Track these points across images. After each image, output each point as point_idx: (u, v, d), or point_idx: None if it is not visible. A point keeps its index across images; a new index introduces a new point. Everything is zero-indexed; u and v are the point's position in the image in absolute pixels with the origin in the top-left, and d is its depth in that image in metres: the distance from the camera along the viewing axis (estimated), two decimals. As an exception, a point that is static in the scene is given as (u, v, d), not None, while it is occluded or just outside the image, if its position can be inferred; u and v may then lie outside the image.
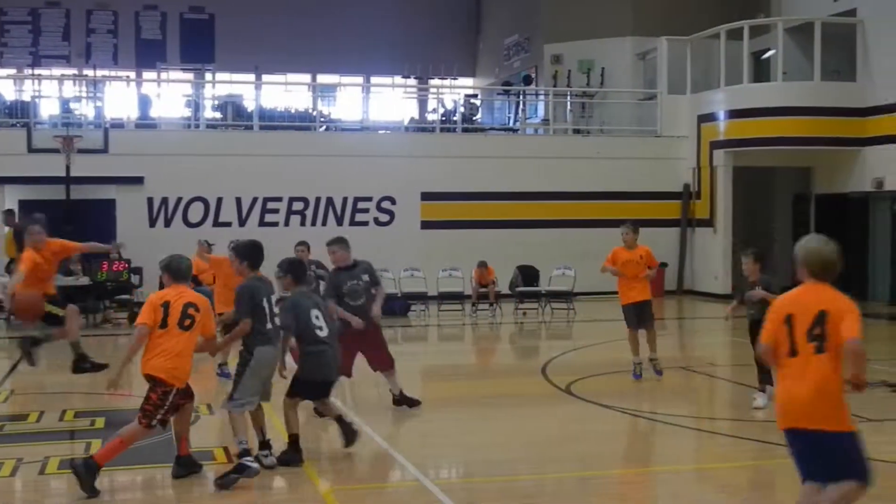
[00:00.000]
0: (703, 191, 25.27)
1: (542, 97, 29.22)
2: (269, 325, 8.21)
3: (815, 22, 23.58)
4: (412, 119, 28.94)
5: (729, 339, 18.06)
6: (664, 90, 26.32)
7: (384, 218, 23.90)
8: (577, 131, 27.33)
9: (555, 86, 28.59)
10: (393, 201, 23.93)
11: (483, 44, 36.43)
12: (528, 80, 30.28)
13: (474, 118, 28.68)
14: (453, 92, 31.47)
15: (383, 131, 27.33)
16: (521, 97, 29.44)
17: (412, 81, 32.84)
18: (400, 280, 21.00)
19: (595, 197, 24.97)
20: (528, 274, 22.01)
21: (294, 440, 8.50)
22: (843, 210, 23.85)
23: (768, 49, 25.95)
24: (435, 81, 33.73)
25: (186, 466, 8.15)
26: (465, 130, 26.85)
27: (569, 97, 27.96)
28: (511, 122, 29.47)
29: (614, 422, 10.40)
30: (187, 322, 7.73)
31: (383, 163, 23.89)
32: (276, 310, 8.31)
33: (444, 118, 27.40)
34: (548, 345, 17.89)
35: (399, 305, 20.57)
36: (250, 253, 8.40)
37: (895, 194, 22.61)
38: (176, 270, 7.98)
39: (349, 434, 8.66)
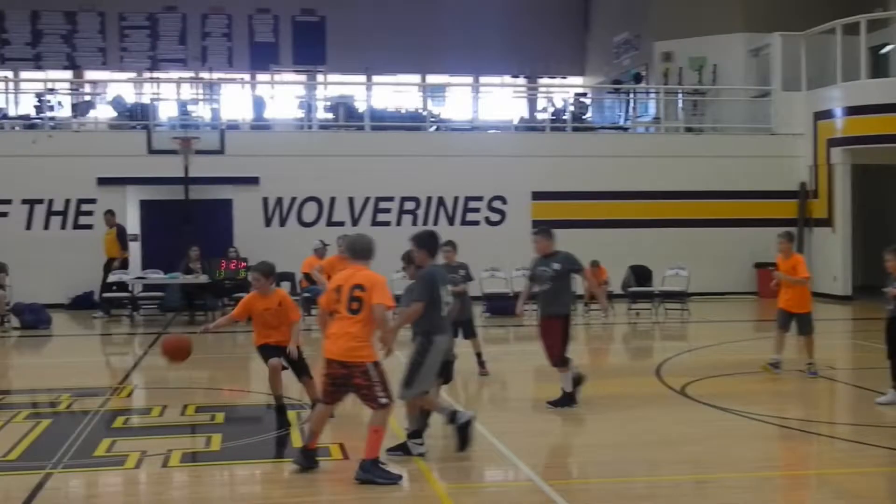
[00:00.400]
0: (820, 189, 24.71)
1: (652, 95, 28.92)
2: (443, 313, 8.63)
3: (937, 15, 22.90)
4: (522, 118, 28.91)
5: (850, 342, 17.67)
6: (778, 87, 25.82)
7: (495, 217, 23.96)
8: (688, 129, 26.98)
9: (665, 83, 28.27)
10: (504, 201, 23.98)
11: (592, 42, 36.17)
12: (638, 78, 29.99)
13: (584, 117, 28.54)
14: (563, 91, 31.35)
15: (493, 131, 27.37)
16: (631, 95, 29.19)
17: (521, 81, 32.83)
18: (512, 279, 21.02)
19: (708, 196, 24.64)
20: (640, 274, 21.84)
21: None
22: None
23: (887, 44, 25.25)
24: (544, 80, 33.69)
25: (308, 460, 8.30)
26: (575, 129, 26.71)
27: (680, 95, 27.63)
28: (621, 120, 29.24)
29: (730, 425, 10.25)
30: (354, 305, 7.98)
31: (493, 162, 23.96)
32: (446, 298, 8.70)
33: (553, 117, 27.31)
34: (661, 346, 17.71)
35: (511, 305, 20.55)
36: (427, 241, 8.97)
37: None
38: (356, 249, 8.26)
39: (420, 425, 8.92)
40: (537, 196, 24.00)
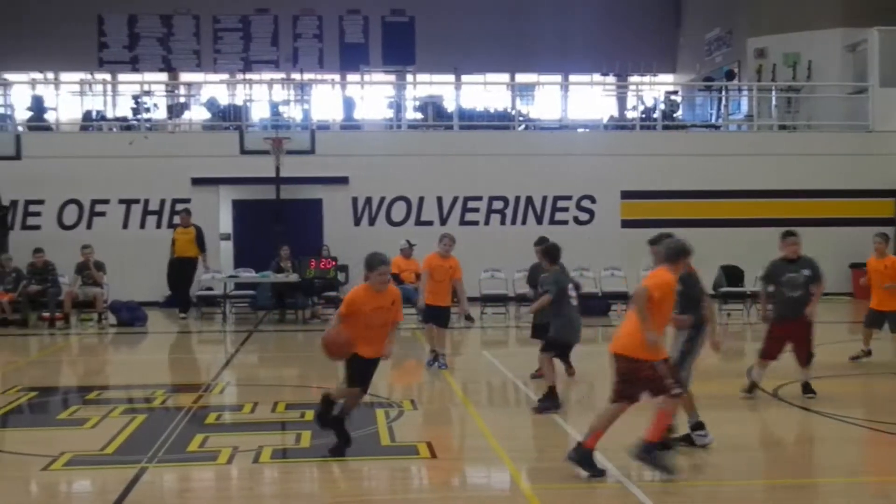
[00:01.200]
0: (918, 188, 24.11)
1: (745, 92, 28.50)
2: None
3: None
4: (611, 117, 28.72)
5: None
6: (876, 83, 25.23)
7: (584, 217, 23.84)
8: (782, 127, 26.52)
9: (759, 80, 27.84)
10: (593, 200, 23.84)
11: (683, 39, 35.77)
12: (730, 76, 29.57)
13: (675, 115, 28.23)
14: (653, 89, 31.05)
15: (582, 130, 27.25)
16: (723, 93, 28.79)
17: (611, 79, 32.59)
18: (600, 279, 20.89)
19: (802, 195, 24.19)
20: (732, 274, 21.51)
21: (552, 390, 10.62)
22: None
23: None
24: (634, 78, 33.36)
25: (584, 459, 8.15)
26: (665, 128, 26.45)
27: (773, 92, 27.18)
28: (713, 118, 28.87)
29: (824, 428, 10.07)
30: None
31: (582, 161, 23.83)
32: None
33: (643, 115, 27.08)
34: (753, 347, 17.40)
35: (599, 305, 20.47)
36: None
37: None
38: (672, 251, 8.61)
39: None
40: (626, 195, 23.82)
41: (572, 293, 11.48)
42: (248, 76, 31.76)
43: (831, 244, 23.37)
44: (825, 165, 24.24)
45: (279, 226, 21.66)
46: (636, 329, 7.89)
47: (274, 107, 25.61)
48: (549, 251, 11.37)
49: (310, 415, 10.61)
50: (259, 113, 25.93)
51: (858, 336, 14.83)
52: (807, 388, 11.29)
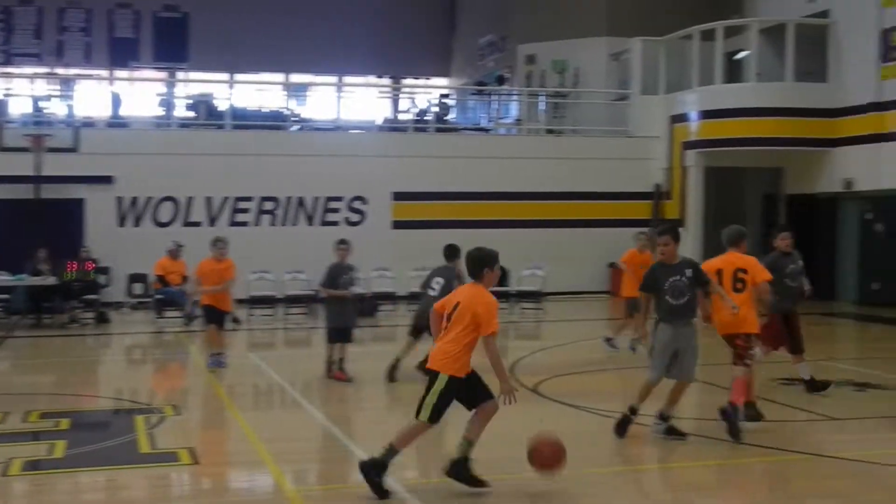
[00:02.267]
0: (673, 191, 25.37)
1: (515, 97, 29.25)
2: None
3: (789, 23, 23.74)
4: (385, 119, 28.91)
5: (705, 341, 18.09)
6: (637, 91, 26.40)
7: (355, 218, 23.85)
8: (549, 131, 27.36)
9: (528, 86, 28.63)
10: (364, 201, 23.89)
11: (457, 43, 36.42)
12: (501, 80, 30.31)
13: (447, 118, 28.68)
14: (427, 91, 31.46)
15: (356, 131, 27.29)
16: (494, 97, 29.45)
17: (386, 81, 32.84)
18: (370, 280, 20.93)
19: (566, 197, 25.01)
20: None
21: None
22: (813, 210, 24.00)
23: (741, 50, 26.06)
24: (408, 81, 33.74)
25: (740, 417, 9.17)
26: (438, 130, 26.84)
27: (542, 97, 28.00)
28: (484, 122, 29.49)
29: (582, 422, 10.41)
30: (738, 285, 9.58)
31: (356, 162, 23.84)
32: None
33: (417, 118, 27.38)
34: (516, 345, 17.85)
35: (368, 305, 20.52)
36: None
37: (864, 195, 22.75)
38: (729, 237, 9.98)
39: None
40: (398, 196, 24.00)
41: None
42: (7, 70, 30.23)
43: (593, 245, 24.32)
44: (589, 168, 25.14)
45: (37, 226, 20.64)
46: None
47: (36, 102, 24.47)
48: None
49: (65, 423, 10.17)
50: (20, 108, 24.71)
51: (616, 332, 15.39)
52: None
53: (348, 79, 32.96)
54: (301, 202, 23.59)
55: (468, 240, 24.49)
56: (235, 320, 14.13)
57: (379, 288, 21.16)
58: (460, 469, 7.65)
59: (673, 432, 9.20)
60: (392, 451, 7.50)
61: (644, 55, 26.38)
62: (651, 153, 25.79)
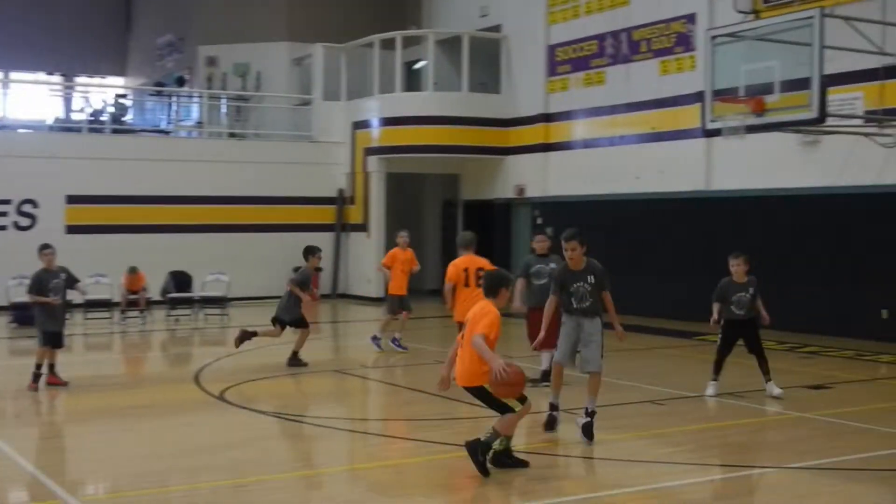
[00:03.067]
0: (357, 196, 25.74)
1: (196, 99, 28.68)
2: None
3: (464, 35, 24.67)
4: (57, 118, 27.54)
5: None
6: (319, 96, 26.56)
7: (25, 222, 22.50)
8: (232, 135, 27.02)
9: (209, 88, 28.15)
10: (35, 204, 22.60)
11: (134, 42, 35.30)
12: (181, 82, 29.63)
13: (125, 119, 27.72)
14: (102, 91, 30.27)
15: (24, 130, 25.79)
16: (174, 99, 28.76)
17: (56, 78, 31.30)
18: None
19: (250, 201, 24.80)
20: (180, 279, 21.44)
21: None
22: (489, 215, 25.05)
23: (420, 59, 26.83)
24: (82, 79, 32.32)
25: None
26: (114, 131, 25.87)
27: (224, 100, 27.61)
28: (164, 123, 28.73)
29: (269, 427, 10.34)
30: (481, 281, 8.98)
31: (24, 164, 22.50)
32: None
33: (92, 118, 26.26)
34: (201, 351, 17.53)
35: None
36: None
37: (534, 200, 23.97)
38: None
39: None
40: (73, 200, 22.89)
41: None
42: None
43: (278, 249, 24.19)
44: (273, 173, 25.03)
45: None
46: None
47: None
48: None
49: None
50: None
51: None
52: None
53: (14, 75, 31.13)
54: (-35, 206, 22.04)
55: (150, 245, 24.04)
56: None
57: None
58: (504, 457, 8.08)
59: (588, 433, 9.16)
60: (496, 435, 7.95)
61: (326, 61, 26.60)
62: (334, 158, 26.04)
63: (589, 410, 9.22)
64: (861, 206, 17.00)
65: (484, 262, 12.31)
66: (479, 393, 8.01)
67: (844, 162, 17.22)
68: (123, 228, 23.05)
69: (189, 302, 20.91)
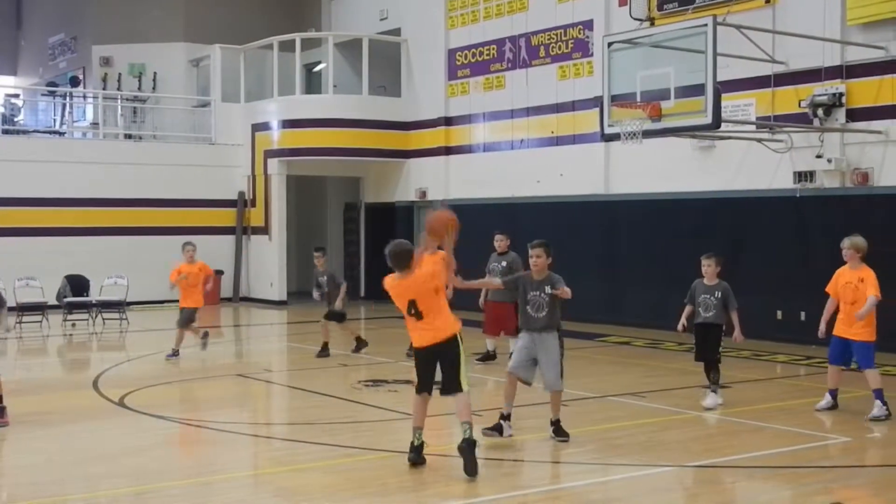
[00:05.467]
0: (258, 199, 25.53)
1: (90, 100, 28.12)
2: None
3: (363, 38, 24.67)
4: (-56, 118, 26.76)
5: (286, 345, 18.39)
6: (218, 98, 26.28)
7: (-87, 225, 21.87)
8: (128, 136, 26.57)
9: (104, 89, 27.64)
10: (-77, 207, 21.97)
11: (25, 41, 34.49)
12: (75, 82, 29.02)
13: (16, 119, 27.06)
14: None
15: None
16: (68, 99, 28.17)
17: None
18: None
19: (148, 204, 24.44)
20: (77, 283, 21.01)
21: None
22: (392, 218, 25.08)
23: (319, 62, 26.75)
24: (-29, 78, 31.48)
25: None
26: (5, 132, 25.23)
27: (119, 101, 27.16)
28: (57, 124, 28.12)
29: (171, 433, 10.22)
30: None
31: None
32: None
33: (-18, 118, 25.60)
34: (100, 356, 17.22)
35: None
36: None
37: (437, 204, 24.06)
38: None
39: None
40: (-37, 202, 22.30)
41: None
42: None
43: (177, 252, 23.78)
44: (173, 175, 24.71)
45: None
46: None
47: None
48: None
49: None
50: None
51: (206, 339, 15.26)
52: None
53: None
54: None
55: (45, 249, 23.50)
56: None
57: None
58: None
59: (559, 433, 9.37)
60: (469, 424, 8.12)
61: (224, 63, 26.34)
62: (234, 161, 25.80)
63: (553, 420, 9.46)
64: (754, 208, 17.47)
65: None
66: (451, 346, 8.24)
67: (738, 166, 17.68)
68: (17, 231, 22.49)
69: (86, 306, 20.51)
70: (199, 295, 15.28)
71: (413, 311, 8.21)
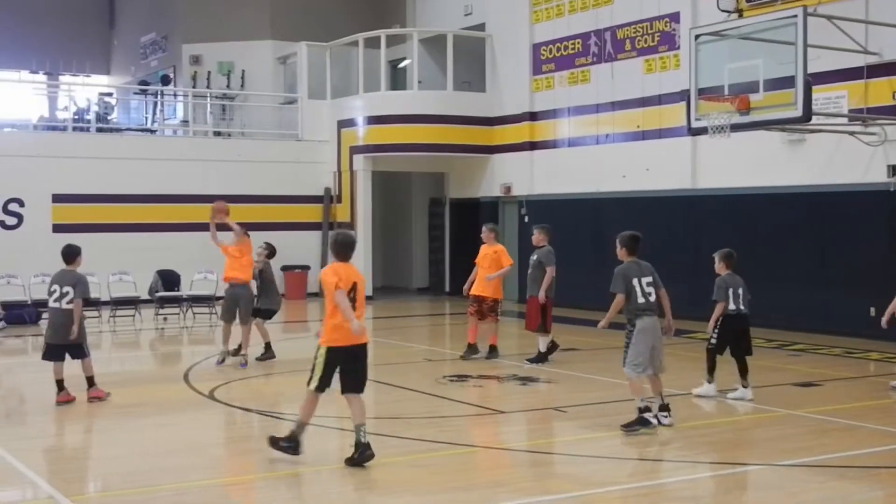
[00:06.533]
0: (343, 194, 25.73)
1: (180, 98, 28.61)
2: (640, 300, 9.58)
3: (448, 34, 24.69)
4: (41, 117, 27.43)
5: (371, 340, 18.46)
6: (304, 95, 26.54)
7: (11, 221, 22.42)
8: (217, 133, 26.98)
9: (194, 87, 28.10)
10: (21, 203, 22.52)
11: (118, 40, 35.20)
12: (166, 80, 29.57)
13: (109, 117, 27.64)
14: (87, 89, 30.16)
15: (9, 129, 25.69)
16: (159, 97, 28.70)
17: (41, 77, 31.18)
18: (30, 286, 19.74)
19: (237, 200, 24.62)
20: (168, 278, 21.40)
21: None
22: (476, 213, 25.07)
23: (404, 58, 26.85)
24: (66, 78, 32.20)
25: None
26: (99, 130, 25.79)
27: (209, 99, 27.57)
28: (149, 122, 28.66)
29: (258, 426, 10.35)
30: None
31: (9, 163, 22.40)
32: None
33: (76, 117, 26.19)
34: (190, 350, 17.53)
35: (29, 313, 19.43)
36: (630, 242, 9.93)
37: (521, 199, 24.02)
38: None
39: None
40: (59, 199, 22.81)
41: None
42: None
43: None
44: (260, 172, 24.99)
45: None
46: None
47: None
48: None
49: None
50: None
51: (290, 335, 15.43)
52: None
53: (-1, 73, 31.05)
54: (-49, 205, 21.97)
55: (137, 244, 23.92)
56: None
57: (40, 295, 19.98)
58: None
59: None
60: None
61: (310, 60, 26.58)
62: (321, 157, 26.03)
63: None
64: (846, 203, 17.11)
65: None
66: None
67: (829, 160, 17.33)
68: (111, 227, 22.98)
69: (177, 300, 20.89)
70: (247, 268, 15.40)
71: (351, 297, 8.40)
